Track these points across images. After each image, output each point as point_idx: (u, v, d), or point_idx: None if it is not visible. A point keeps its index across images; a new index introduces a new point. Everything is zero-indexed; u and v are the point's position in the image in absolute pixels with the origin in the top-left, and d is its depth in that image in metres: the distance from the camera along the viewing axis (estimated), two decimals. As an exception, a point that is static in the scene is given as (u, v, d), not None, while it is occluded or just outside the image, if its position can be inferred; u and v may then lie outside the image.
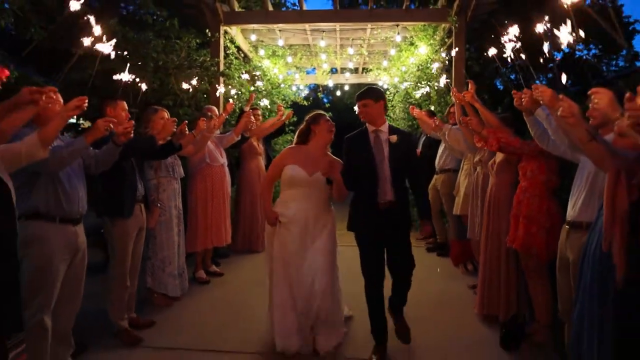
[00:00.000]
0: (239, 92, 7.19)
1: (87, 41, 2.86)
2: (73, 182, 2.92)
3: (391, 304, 3.48)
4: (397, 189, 3.29)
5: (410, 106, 5.40)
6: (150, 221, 3.90)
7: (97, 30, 2.98)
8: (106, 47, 3.00)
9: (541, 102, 2.60)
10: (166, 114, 4.19)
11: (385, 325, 3.42)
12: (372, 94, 3.37)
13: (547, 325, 3.46)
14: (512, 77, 9.37)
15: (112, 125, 2.87)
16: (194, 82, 6.04)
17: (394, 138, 3.27)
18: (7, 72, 2.04)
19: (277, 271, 3.40)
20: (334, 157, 3.53)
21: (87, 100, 2.50)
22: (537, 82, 2.93)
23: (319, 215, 3.44)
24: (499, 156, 3.84)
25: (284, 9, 9.98)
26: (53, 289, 2.77)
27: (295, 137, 3.64)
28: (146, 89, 5.11)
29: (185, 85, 5.37)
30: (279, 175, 3.51)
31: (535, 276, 3.46)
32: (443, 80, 5.86)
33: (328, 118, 3.57)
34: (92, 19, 2.86)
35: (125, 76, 3.39)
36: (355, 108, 3.55)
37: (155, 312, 4.12)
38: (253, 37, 7.59)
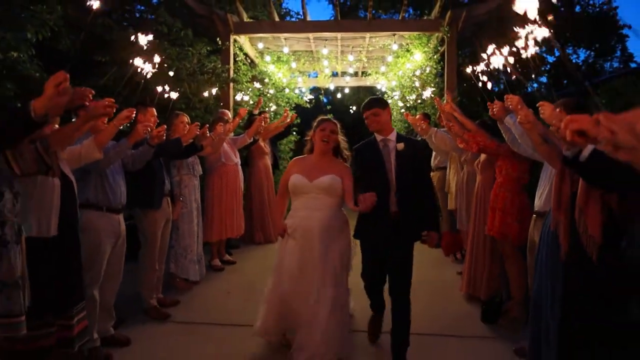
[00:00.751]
0: (248, 97, 7.69)
1: (139, 61, 3.32)
2: (116, 178, 3.43)
3: (392, 340, 3.25)
4: (403, 199, 3.20)
5: (405, 113, 5.90)
6: (174, 213, 4.40)
7: (142, 39, 3.44)
8: (148, 66, 3.48)
9: (511, 108, 3.10)
10: (186, 118, 4.68)
11: (382, 297, 3.57)
12: (379, 102, 3.36)
13: (521, 301, 3.96)
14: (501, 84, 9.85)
15: (149, 130, 3.38)
16: (213, 91, 6.56)
17: (400, 146, 3.23)
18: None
19: (274, 275, 3.41)
20: (346, 165, 3.45)
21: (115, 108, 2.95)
22: (529, 89, 3.36)
23: (329, 224, 3.27)
24: (483, 156, 4.34)
25: (288, 17, 10.47)
26: (101, 267, 3.29)
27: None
28: (160, 92, 5.67)
29: (205, 93, 5.84)
30: (286, 187, 3.44)
31: (510, 259, 3.96)
32: (428, 93, 6.35)
33: (325, 126, 3.40)
34: (142, 37, 3.32)
35: (160, 88, 3.88)
36: (351, 108, 3.93)
37: (178, 294, 4.63)
38: (260, 45, 8.09)
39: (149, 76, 3.53)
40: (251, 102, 7.73)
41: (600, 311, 2.18)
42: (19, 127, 1.81)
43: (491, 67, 3.17)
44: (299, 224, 3.28)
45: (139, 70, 3.32)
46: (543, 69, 16.45)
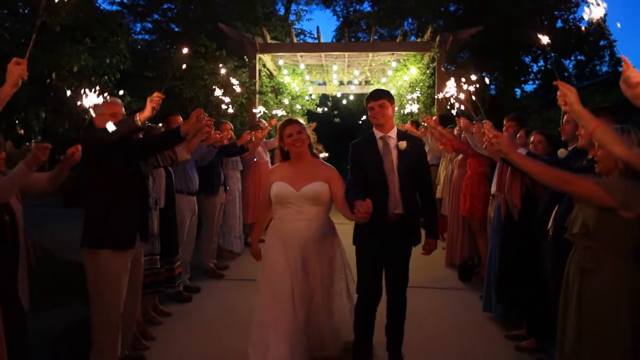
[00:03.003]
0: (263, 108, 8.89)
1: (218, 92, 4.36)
2: (192, 171, 4.68)
3: (387, 335, 3.21)
4: (407, 201, 2.99)
5: (400, 124, 7.15)
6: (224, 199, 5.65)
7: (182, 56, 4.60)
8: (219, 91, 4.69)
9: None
10: (230, 125, 5.92)
11: (369, 350, 3.17)
12: (387, 94, 3.10)
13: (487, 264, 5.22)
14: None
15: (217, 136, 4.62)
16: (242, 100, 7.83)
17: (403, 144, 2.97)
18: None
19: (262, 293, 3.08)
20: (331, 166, 3.12)
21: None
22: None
23: (318, 235, 2.96)
24: (459, 156, 5.57)
25: (302, 36, 11.72)
26: (184, 234, 4.54)
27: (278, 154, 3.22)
28: (195, 101, 6.91)
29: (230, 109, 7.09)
30: (269, 196, 3.08)
31: (478, 233, 5.18)
32: (415, 107, 7.58)
33: (290, 131, 2.99)
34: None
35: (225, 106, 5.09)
36: (360, 120, 4.71)
37: (227, 262, 5.88)
38: (281, 62, 9.34)
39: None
40: (270, 112, 8.96)
41: (519, 249, 3.44)
42: (174, 140, 3.04)
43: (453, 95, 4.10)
44: (285, 237, 2.95)
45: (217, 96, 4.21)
46: (531, 76, 17.71)
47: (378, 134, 3.05)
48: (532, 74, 17.57)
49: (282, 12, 17.43)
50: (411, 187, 3.04)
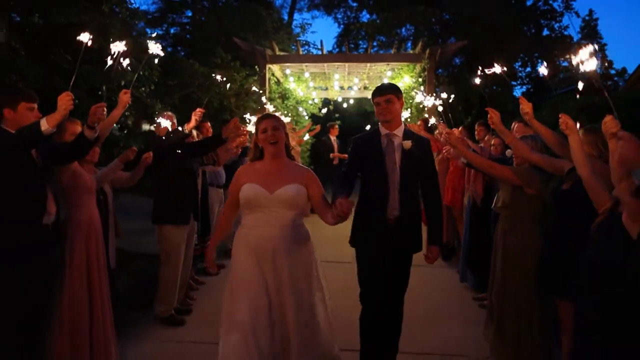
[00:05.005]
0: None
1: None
2: (221, 167, 5.58)
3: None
4: (406, 203, 2.78)
5: (409, 123, 8.03)
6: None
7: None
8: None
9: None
10: (208, 124, 6.72)
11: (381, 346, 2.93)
12: (394, 89, 2.85)
13: (464, 245, 6.12)
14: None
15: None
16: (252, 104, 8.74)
17: (407, 144, 2.77)
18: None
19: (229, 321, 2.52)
20: (307, 168, 2.76)
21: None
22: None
23: (291, 243, 2.56)
24: (440, 155, 6.46)
25: (305, 47, 12.64)
26: (214, 219, 5.43)
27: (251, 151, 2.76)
28: (210, 106, 7.82)
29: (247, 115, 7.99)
30: (237, 199, 2.62)
31: (458, 219, 6.07)
32: (407, 114, 8.47)
33: (266, 125, 2.60)
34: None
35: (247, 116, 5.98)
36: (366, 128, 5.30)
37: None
38: (288, 71, 10.25)
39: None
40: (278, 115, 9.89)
41: (482, 227, 4.34)
42: (217, 143, 3.93)
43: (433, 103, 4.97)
44: (254, 246, 2.53)
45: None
46: (519, 82, 18.57)
47: (384, 130, 2.84)
48: (519, 79, 18.46)
49: (286, 18, 18.44)
50: (413, 189, 2.83)
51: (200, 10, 12.94)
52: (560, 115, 2.28)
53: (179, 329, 3.80)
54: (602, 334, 1.84)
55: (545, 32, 16.97)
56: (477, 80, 3.32)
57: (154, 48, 3.06)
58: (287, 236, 2.53)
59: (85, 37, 2.59)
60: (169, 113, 4.00)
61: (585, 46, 1.97)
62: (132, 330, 3.68)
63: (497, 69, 2.95)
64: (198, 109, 3.82)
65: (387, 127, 2.82)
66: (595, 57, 1.95)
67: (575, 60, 2.03)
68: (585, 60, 1.96)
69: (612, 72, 25.28)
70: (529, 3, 16.83)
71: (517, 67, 18.06)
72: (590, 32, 20.62)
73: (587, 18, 20.86)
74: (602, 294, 1.83)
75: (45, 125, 2.28)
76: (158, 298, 3.81)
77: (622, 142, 1.72)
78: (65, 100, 2.31)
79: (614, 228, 1.90)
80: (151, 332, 3.72)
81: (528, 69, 17.49)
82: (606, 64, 23.35)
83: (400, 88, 2.94)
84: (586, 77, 2.08)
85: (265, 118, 2.66)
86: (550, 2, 16.40)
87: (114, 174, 3.42)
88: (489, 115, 2.78)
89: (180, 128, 4.06)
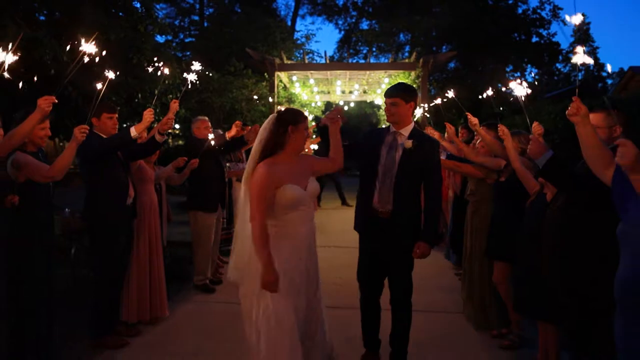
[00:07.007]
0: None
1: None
2: (243, 162, 6.38)
3: (390, 345, 3.03)
4: (402, 199, 2.82)
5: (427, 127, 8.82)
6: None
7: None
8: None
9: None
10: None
11: (377, 333, 3.08)
12: (403, 92, 2.88)
13: (451, 232, 6.91)
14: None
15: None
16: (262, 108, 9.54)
17: (408, 143, 2.82)
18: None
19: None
20: (303, 155, 2.62)
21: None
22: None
23: (314, 244, 2.57)
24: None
25: (310, 55, 13.47)
26: (237, 209, 6.25)
27: (262, 143, 2.44)
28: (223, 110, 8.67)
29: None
30: (268, 202, 2.38)
31: (446, 210, 6.86)
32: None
33: (307, 125, 2.52)
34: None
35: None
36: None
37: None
38: (294, 78, 11.07)
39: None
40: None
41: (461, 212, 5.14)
42: (240, 144, 4.74)
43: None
44: (303, 245, 2.49)
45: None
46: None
47: (392, 128, 2.94)
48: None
49: (289, 24, 19.27)
50: (411, 186, 2.87)
51: (215, 21, 13.71)
52: (498, 126, 3.12)
53: (212, 294, 4.60)
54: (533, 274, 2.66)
55: (535, 39, 17.75)
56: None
57: (191, 76, 3.48)
58: (314, 233, 2.57)
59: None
60: (204, 118, 4.81)
61: (575, 50, 2.08)
62: (175, 296, 4.47)
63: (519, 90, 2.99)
64: (237, 122, 4.73)
65: (395, 126, 2.92)
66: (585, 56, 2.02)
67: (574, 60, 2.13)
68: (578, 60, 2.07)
69: (604, 74, 26.04)
70: (519, 11, 17.65)
71: (507, 71, 18.87)
72: (582, 36, 21.38)
73: (577, 24, 21.43)
74: (537, 245, 2.64)
75: (134, 132, 3.09)
76: (195, 271, 4.62)
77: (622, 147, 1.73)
78: (149, 115, 3.12)
79: (541, 203, 2.72)
80: (192, 296, 4.52)
81: (517, 74, 18.26)
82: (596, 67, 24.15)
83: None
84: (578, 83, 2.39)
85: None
86: (539, 11, 17.19)
87: (168, 174, 4.23)
88: (468, 119, 3.55)
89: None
